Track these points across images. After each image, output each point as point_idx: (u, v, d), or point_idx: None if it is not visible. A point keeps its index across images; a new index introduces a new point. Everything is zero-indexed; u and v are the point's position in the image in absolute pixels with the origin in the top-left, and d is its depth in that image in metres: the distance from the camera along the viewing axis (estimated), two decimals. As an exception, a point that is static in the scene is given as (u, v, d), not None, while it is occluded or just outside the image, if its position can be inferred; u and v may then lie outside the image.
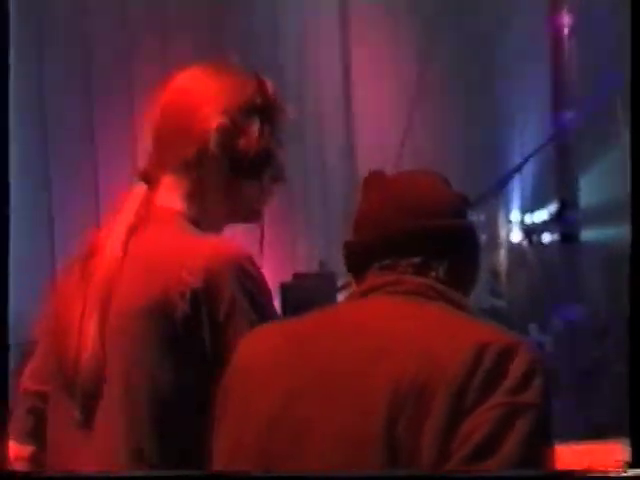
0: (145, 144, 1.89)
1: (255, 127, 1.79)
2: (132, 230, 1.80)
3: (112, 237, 1.80)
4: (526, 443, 1.36)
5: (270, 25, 7.73)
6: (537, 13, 9.16)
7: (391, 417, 1.38)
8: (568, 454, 2.53)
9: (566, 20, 8.08)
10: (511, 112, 12.78)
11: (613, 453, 2.45)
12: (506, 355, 1.42)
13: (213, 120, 1.79)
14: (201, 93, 1.81)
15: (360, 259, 1.71)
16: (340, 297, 7.04)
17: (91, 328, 1.73)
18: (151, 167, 1.88)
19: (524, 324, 10.02)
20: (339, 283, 7.16)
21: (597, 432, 3.72)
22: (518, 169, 8.99)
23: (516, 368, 1.41)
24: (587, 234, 9.22)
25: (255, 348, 1.63)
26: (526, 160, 8.41)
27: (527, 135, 11.49)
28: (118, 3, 5.87)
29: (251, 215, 1.90)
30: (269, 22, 7.69)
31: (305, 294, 6.48)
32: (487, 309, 10.99)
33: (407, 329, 1.50)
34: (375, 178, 1.75)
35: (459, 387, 1.36)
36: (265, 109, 1.80)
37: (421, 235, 1.68)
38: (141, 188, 1.87)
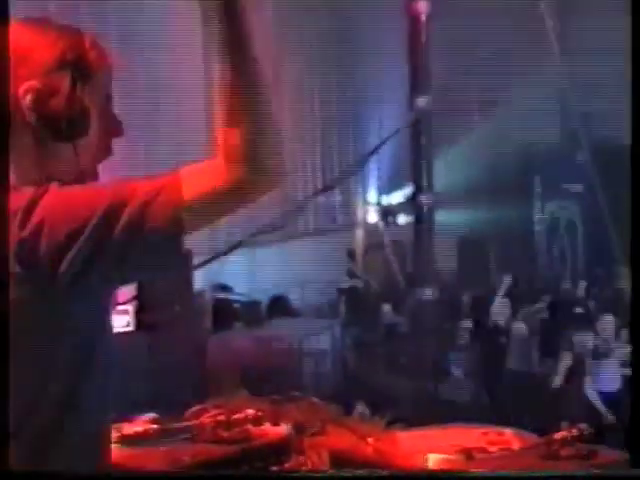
0: None
1: (65, 86, 1.68)
2: None
3: None
4: None
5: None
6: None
7: None
8: (408, 439, 2.51)
9: (423, 7, 8.11)
10: (370, 95, 12.90)
11: (452, 438, 2.44)
12: None
13: (21, 83, 1.68)
14: (11, 54, 1.70)
15: None
16: (195, 276, 6.95)
17: None
18: None
19: (379, 304, 10.14)
20: (196, 262, 7.04)
21: (453, 416, 3.73)
22: (375, 151, 9.04)
23: None
24: (440, 216, 9.34)
25: None
26: (383, 142, 8.46)
27: (385, 118, 11.60)
28: None
29: (80, 176, 1.77)
30: None
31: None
32: (344, 289, 11.08)
33: None
34: None
35: None
36: (79, 65, 1.69)
37: None
38: None
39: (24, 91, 1.66)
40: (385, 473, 1.32)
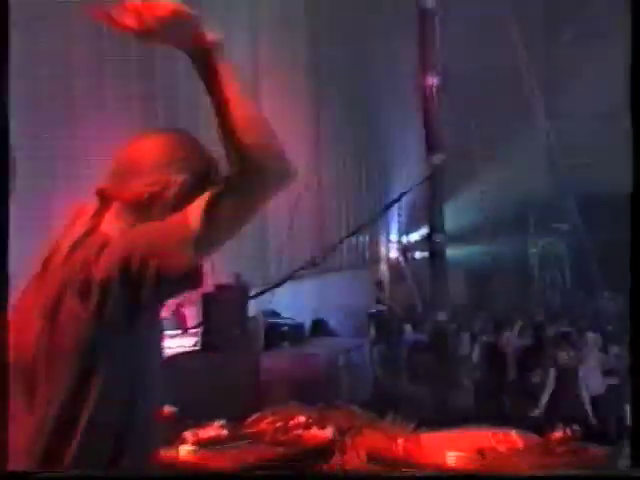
0: (109, 170, 1.79)
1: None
2: (75, 247, 1.66)
3: (58, 252, 1.66)
4: None
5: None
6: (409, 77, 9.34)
7: None
8: (431, 440, 2.49)
9: (432, 81, 8.15)
10: (393, 154, 13.06)
11: (467, 439, 2.42)
12: None
13: (175, 173, 1.73)
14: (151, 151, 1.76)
15: None
16: (250, 304, 7.00)
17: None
18: (108, 190, 1.76)
19: (402, 325, 10.12)
20: (251, 293, 7.14)
21: (459, 419, 3.69)
22: (397, 200, 9.14)
23: None
24: (450, 252, 9.31)
25: None
26: (404, 193, 8.56)
27: (406, 173, 11.68)
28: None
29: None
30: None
31: (223, 303, 6.43)
32: (372, 313, 11.08)
33: None
34: None
35: None
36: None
37: None
38: (92, 206, 1.74)
39: (177, 179, 1.68)
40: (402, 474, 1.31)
